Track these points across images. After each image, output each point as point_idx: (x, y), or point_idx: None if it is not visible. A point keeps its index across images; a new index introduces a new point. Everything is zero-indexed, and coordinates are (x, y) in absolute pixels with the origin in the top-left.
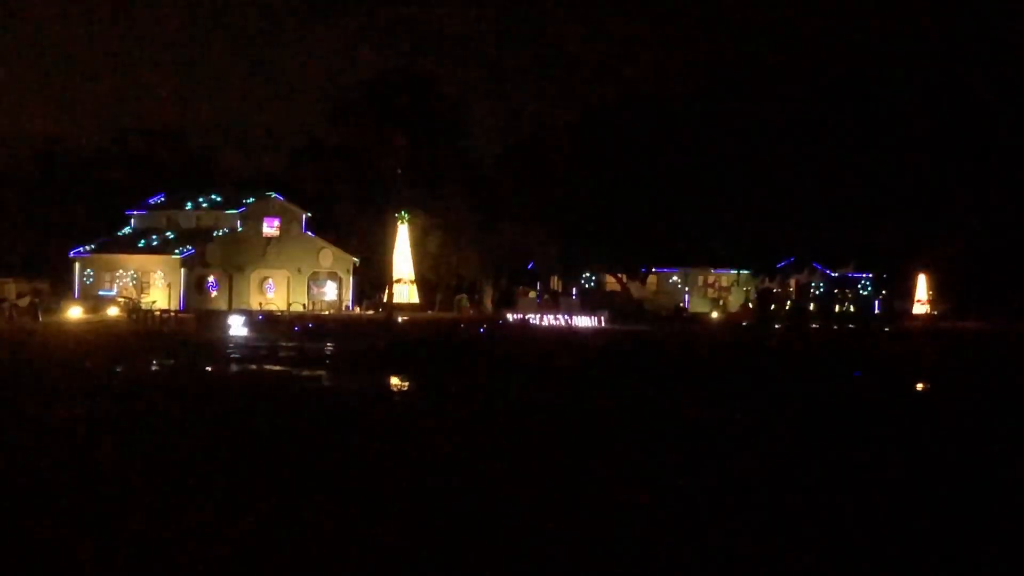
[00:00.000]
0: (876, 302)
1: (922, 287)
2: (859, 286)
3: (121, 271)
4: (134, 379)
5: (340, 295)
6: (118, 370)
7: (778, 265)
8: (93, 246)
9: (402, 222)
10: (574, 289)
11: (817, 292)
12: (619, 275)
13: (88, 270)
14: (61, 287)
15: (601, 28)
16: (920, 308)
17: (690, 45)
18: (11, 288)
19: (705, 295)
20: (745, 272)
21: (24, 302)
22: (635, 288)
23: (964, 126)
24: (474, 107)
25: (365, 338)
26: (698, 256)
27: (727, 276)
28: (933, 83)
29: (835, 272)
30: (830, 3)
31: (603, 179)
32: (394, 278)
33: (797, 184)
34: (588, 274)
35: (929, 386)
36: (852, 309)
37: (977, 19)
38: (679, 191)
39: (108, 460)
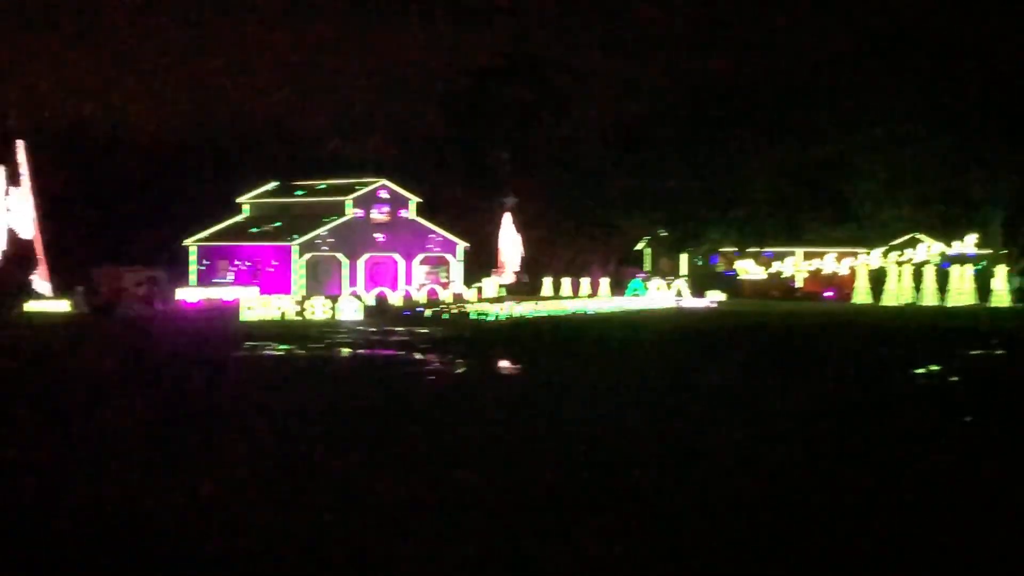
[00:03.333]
0: (995, 280)
1: None
2: (977, 263)
3: (235, 258)
4: (252, 365)
5: (450, 279)
6: (236, 355)
7: (893, 243)
8: (207, 234)
9: (511, 207)
10: (686, 270)
11: (938, 269)
12: (732, 255)
13: (203, 258)
14: (176, 275)
15: (709, 3)
16: None
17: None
18: (129, 277)
19: (819, 274)
20: (860, 251)
21: (141, 290)
22: (748, 268)
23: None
24: (582, 87)
25: (476, 322)
26: (812, 236)
27: (840, 255)
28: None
29: (951, 249)
30: None
31: (711, 158)
32: (503, 263)
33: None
34: (700, 255)
35: None
36: (972, 287)
37: None
38: (790, 173)
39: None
